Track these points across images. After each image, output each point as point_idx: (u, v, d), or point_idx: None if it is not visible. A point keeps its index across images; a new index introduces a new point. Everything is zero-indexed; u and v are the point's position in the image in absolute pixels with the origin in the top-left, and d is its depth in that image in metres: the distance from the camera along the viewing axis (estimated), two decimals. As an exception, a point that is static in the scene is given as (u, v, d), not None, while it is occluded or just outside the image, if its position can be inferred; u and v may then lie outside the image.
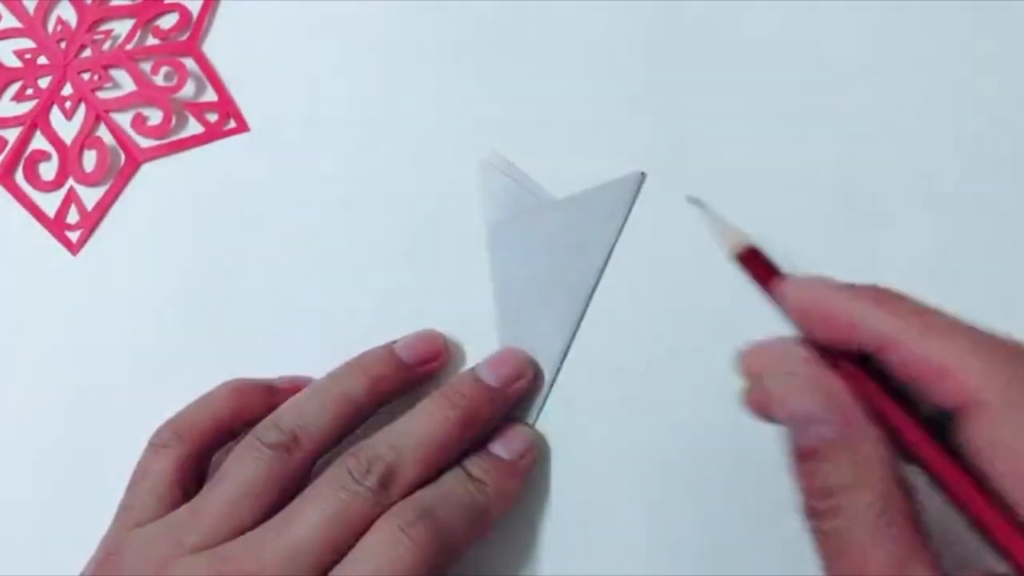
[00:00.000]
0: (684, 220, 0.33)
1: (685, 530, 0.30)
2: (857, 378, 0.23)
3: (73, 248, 0.37)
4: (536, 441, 0.31)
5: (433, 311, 0.34)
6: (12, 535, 0.35)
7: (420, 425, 0.29)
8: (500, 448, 0.30)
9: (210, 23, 0.39)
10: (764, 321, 0.26)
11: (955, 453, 0.22)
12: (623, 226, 0.33)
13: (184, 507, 0.29)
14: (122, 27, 0.39)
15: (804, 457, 0.23)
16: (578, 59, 0.36)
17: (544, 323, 0.32)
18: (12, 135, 0.38)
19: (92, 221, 0.37)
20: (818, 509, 0.23)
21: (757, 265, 0.26)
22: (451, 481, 0.29)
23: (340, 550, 0.27)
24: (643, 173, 0.34)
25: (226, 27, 0.39)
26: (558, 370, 0.32)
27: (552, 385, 0.32)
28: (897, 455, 0.22)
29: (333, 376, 0.31)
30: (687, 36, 0.35)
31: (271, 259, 0.36)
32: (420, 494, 0.28)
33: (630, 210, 0.34)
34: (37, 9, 0.40)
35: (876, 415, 0.23)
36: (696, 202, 0.28)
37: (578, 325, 0.33)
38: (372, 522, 0.27)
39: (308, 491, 0.28)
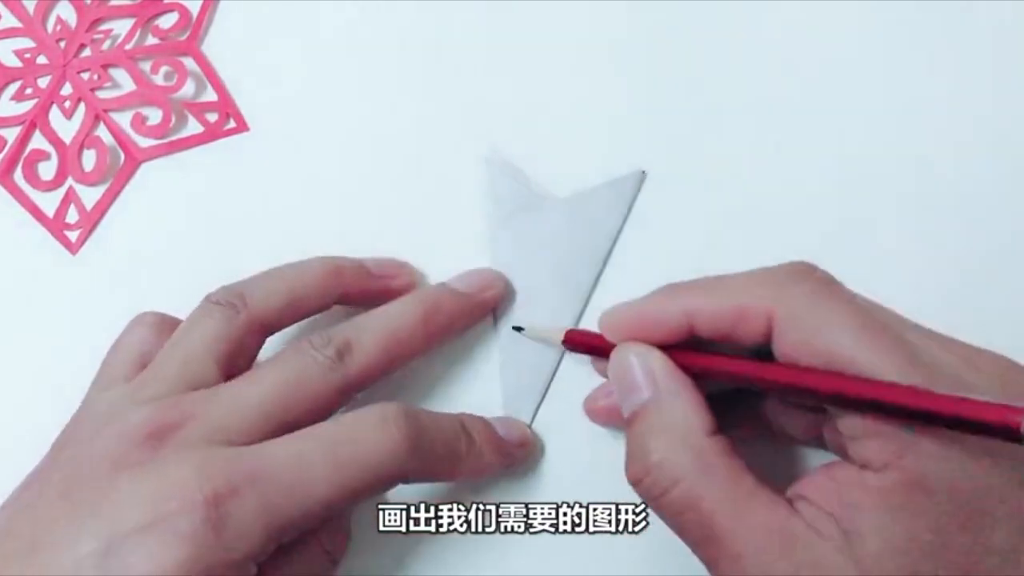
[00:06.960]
0: (684, 219, 0.33)
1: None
2: (691, 358, 0.26)
3: (72, 248, 0.37)
4: (533, 444, 0.32)
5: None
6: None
7: (383, 313, 0.30)
8: (499, 425, 0.31)
9: (209, 23, 0.39)
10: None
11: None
12: (623, 224, 0.33)
13: (149, 365, 0.29)
14: (122, 27, 0.39)
15: (628, 424, 0.26)
16: (579, 57, 0.36)
17: (544, 321, 0.32)
18: (11, 135, 0.38)
19: (91, 221, 0.37)
20: (639, 473, 0.25)
21: (581, 336, 0.30)
22: (446, 417, 0.29)
23: (291, 411, 0.27)
24: (644, 172, 0.34)
25: (226, 27, 0.39)
26: (557, 367, 0.32)
27: (550, 383, 0.32)
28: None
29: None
30: (689, 35, 0.35)
31: (271, 259, 0.35)
32: (411, 407, 0.28)
33: (631, 209, 0.34)
34: (37, 9, 0.40)
35: (719, 374, 0.26)
36: (518, 329, 0.32)
37: (578, 323, 0.33)
38: (327, 394, 0.28)
39: (269, 358, 0.29)
